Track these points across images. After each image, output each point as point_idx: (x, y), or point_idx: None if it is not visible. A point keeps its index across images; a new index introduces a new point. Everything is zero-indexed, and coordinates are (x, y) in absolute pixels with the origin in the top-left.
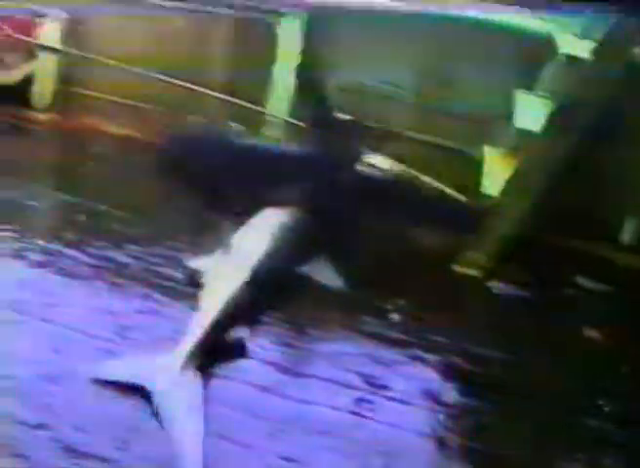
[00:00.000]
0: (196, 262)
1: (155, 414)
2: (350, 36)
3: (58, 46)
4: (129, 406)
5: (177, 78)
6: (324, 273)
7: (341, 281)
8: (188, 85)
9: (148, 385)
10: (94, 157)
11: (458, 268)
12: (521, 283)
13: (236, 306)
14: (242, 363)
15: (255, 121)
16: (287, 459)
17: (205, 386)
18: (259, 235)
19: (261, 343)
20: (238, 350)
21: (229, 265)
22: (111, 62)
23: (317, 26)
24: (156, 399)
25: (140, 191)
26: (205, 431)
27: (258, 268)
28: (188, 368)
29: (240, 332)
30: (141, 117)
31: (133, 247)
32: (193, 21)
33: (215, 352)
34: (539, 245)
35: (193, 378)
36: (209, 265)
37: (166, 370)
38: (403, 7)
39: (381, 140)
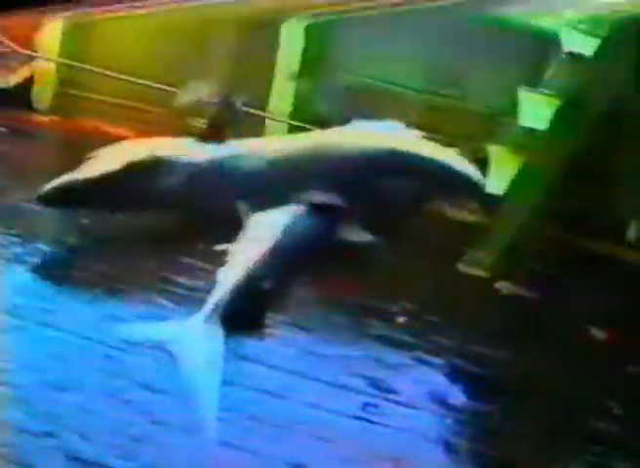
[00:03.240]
0: None
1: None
2: (356, 34)
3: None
4: (136, 412)
5: (177, 81)
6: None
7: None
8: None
9: (169, 338)
10: None
11: (463, 268)
12: (527, 283)
13: (260, 270)
14: (246, 367)
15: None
16: (293, 466)
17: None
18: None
19: (266, 346)
20: (258, 312)
21: (258, 232)
22: (109, 73)
23: (322, 25)
24: (176, 351)
25: None
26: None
27: (282, 238)
28: (210, 324)
29: (262, 296)
30: (142, 119)
31: (136, 251)
32: (195, 23)
33: (236, 312)
34: (546, 244)
35: (214, 335)
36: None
37: (188, 324)
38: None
39: None
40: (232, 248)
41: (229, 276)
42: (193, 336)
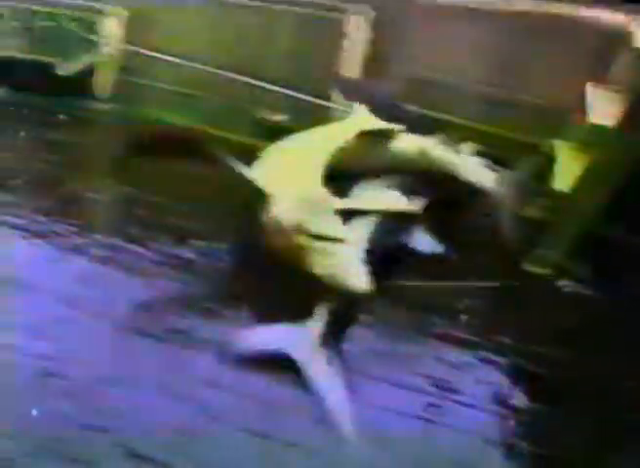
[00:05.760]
0: None
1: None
2: (417, 29)
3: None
4: (194, 408)
5: (239, 71)
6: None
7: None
8: (248, 79)
9: (292, 353)
10: None
11: (528, 266)
12: (592, 282)
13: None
14: None
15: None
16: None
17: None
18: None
19: None
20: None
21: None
22: (171, 59)
23: (383, 20)
24: (300, 366)
25: (204, 184)
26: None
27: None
28: (325, 336)
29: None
30: (203, 107)
31: (196, 242)
32: (258, 16)
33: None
34: (611, 243)
35: (329, 346)
36: None
37: (305, 338)
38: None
39: (450, 133)
40: None
41: None
42: (312, 350)
